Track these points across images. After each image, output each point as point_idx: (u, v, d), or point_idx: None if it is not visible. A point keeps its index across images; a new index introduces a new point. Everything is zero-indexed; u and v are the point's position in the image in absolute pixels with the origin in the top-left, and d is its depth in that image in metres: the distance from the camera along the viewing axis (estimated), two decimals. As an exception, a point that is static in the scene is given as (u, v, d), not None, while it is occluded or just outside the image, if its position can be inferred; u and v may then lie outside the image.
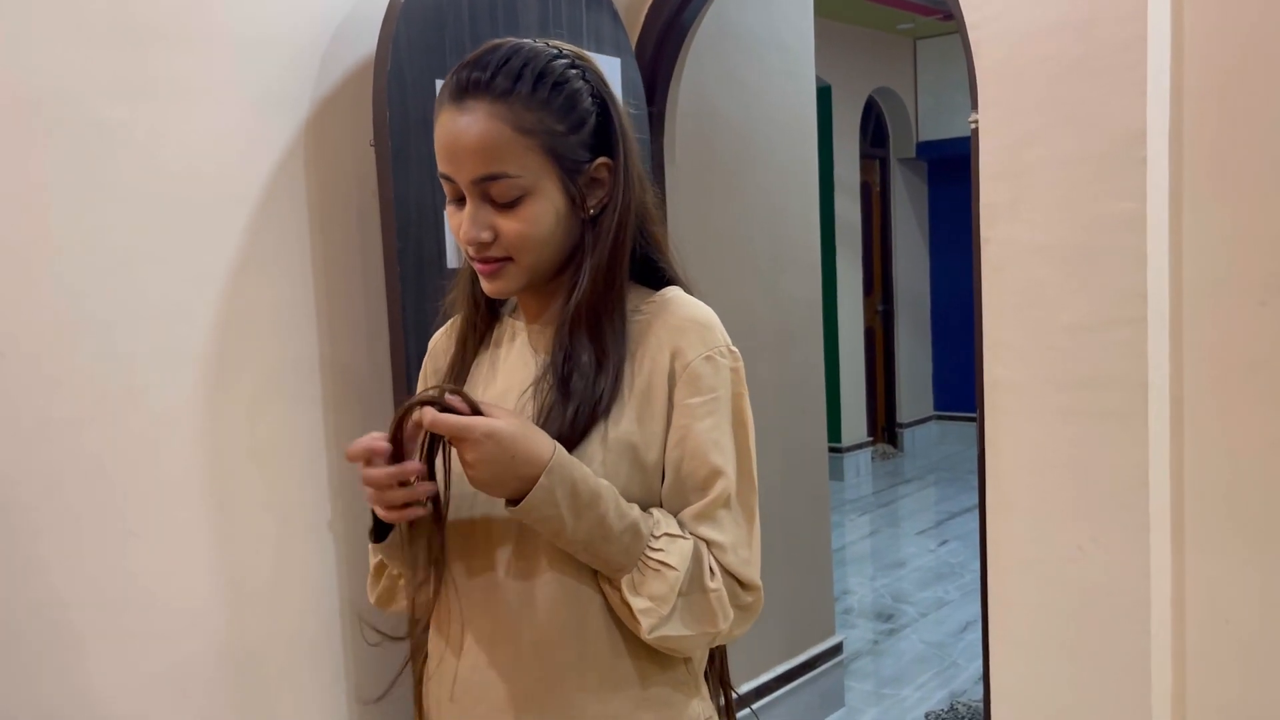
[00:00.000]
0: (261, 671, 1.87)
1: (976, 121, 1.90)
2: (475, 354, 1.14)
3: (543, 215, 1.01)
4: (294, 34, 1.88)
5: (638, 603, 0.99)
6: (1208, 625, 1.72)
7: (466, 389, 1.08)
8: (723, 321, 1.10)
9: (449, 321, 1.21)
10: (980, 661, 2.19)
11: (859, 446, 6.92)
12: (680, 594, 0.99)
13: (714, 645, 1.07)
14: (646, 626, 0.99)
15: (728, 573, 1.03)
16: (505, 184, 0.98)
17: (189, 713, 1.77)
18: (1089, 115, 1.76)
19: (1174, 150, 1.68)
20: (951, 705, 3.34)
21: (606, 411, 1.02)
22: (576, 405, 1.01)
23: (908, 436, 7.64)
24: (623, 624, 1.04)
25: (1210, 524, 1.70)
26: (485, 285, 1.05)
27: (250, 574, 1.85)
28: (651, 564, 0.99)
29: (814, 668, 3.22)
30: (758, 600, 1.06)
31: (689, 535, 1.02)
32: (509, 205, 1.00)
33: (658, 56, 2.60)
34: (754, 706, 2.92)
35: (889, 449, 7.54)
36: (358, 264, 2.00)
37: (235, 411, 1.82)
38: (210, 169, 1.78)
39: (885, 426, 7.59)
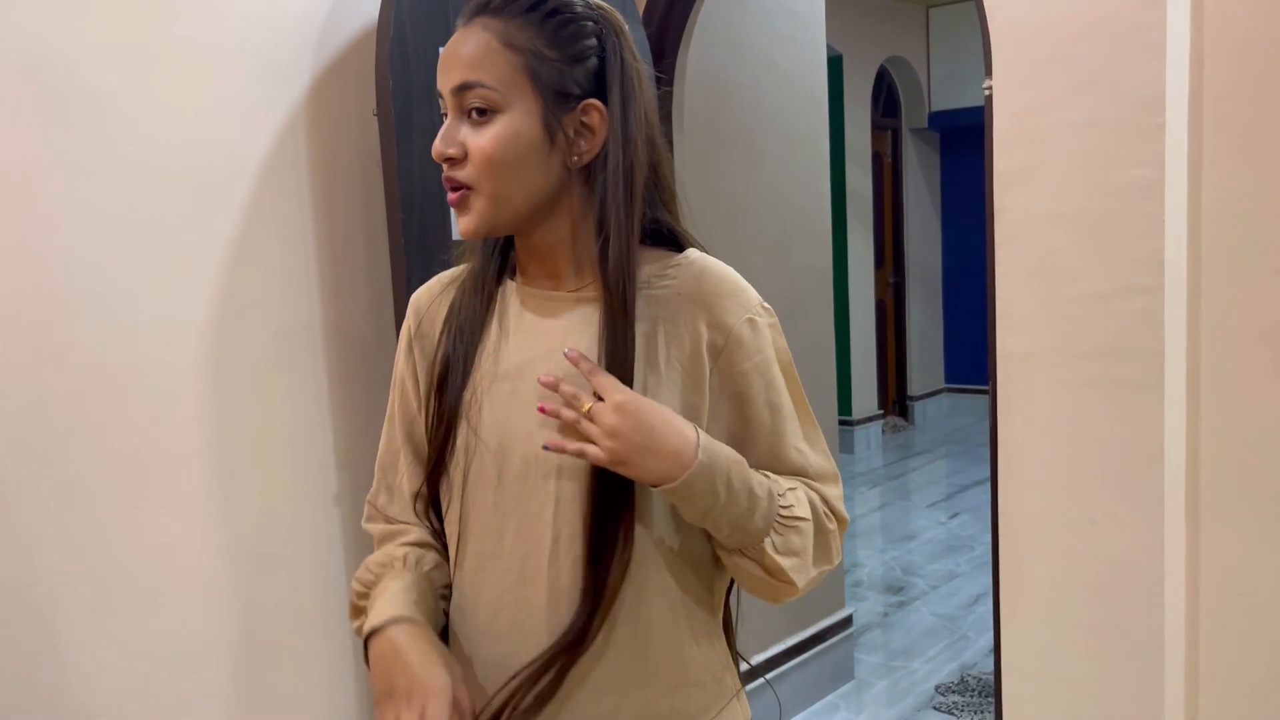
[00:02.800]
0: (268, 641, 1.87)
1: (990, 88, 1.86)
2: (484, 320, 1.09)
3: (510, 137, 0.98)
4: (294, 0, 1.85)
5: (787, 562, 1.00)
6: (1221, 597, 1.70)
7: (478, 357, 1.06)
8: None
9: (434, 280, 1.17)
10: (991, 634, 2.18)
11: (869, 419, 6.89)
12: (813, 541, 1.02)
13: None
14: (801, 583, 1.01)
15: (830, 509, 1.06)
16: (479, 92, 0.97)
17: (196, 682, 1.77)
18: (1105, 80, 1.72)
19: (1193, 116, 1.64)
20: (962, 678, 3.33)
21: (644, 390, 1.00)
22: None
23: (918, 409, 7.61)
24: (676, 610, 1.03)
25: (1225, 495, 1.68)
26: (458, 223, 1.02)
27: (256, 545, 1.85)
28: (789, 521, 1.00)
29: (823, 640, 3.22)
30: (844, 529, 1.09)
31: (796, 484, 1.04)
32: (481, 122, 0.98)
33: (665, 23, 2.56)
34: (765, 677, 2.91)
35: (900, 422, 7.52)
36: (360, 234, 1.98)
37: (238, 383, 1.81)
38: (210, 138, 1.76)
39: (896, 399, 7.56)
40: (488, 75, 0.97)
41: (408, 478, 1.12)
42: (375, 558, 1.10)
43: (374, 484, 1.16)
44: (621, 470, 0.94)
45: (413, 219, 1.86)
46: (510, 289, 1.10)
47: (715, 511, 0.96)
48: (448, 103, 1.00)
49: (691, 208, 1.15)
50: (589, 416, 0.94)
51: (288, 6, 1.84)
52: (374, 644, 0.98)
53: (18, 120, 1.54)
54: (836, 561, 1.06)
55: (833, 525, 1.05)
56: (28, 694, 1.57)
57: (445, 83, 0.99)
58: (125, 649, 1.68)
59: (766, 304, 1.07)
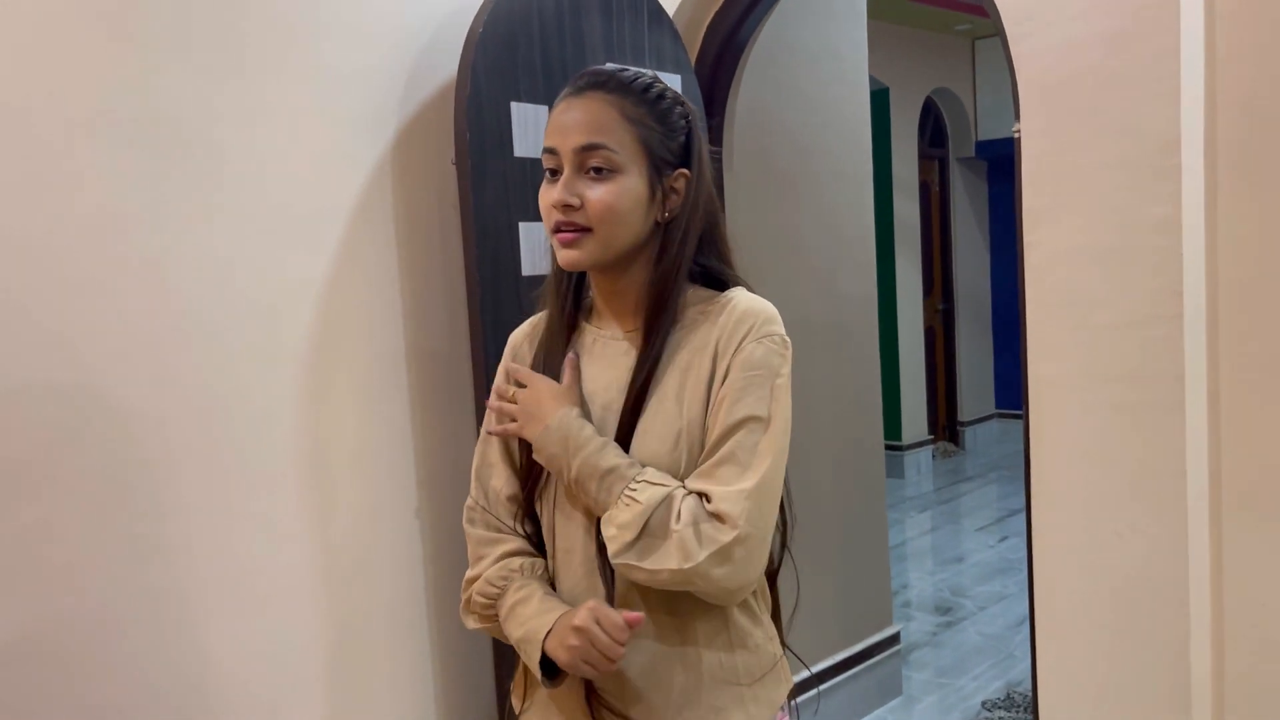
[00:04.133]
0: (354, 646, 2.04)
1: (1019, 131, 2.00)
2: (562, 355, 1.30)
3: (626, 194, 1.18)
4: (382, 63, 2.06)
5: (607, 530, 1.17)
6: (1244, 607, 1.80)
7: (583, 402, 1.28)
8: (780, 319, 1.25)
9: (527, 323, 1.39)
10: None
11: (920, 444, 6.96)
12: (645, 530, 1.14)
13: (692, 586, 1.16)
14: (611, 552, 1.17)
15: (712, 515, 1.14)
16: (603, 154, 1.17)
17: (287, 682, 1.95)
18: (1126, 124, 1.85)
19: (1208, 157, 1.77)
20: (1008, 694, 3.42)
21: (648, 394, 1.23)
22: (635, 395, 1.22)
23: (969, 434, 7.65)
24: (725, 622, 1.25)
25: (1245, 510, 1.78)
26: (561, 255, 1.21)
27: (343, 556, 2.02)
28: (624, 500, 1.16)
29: (871, 656, 3.33)
30: (740, 544, 1.14)
31: (670, 485, 1.17)
32: (599, 179, 1.17)
33: (716, 71, 2.74)
34: (813, 692, 3.03)
35: (950, 447, 7.57)
36: (439, 271, 2.17)
37: (330, 407, 2.00)
38: (307, 185, 1.95)
39: (946, 425, 7.62)
40: (611, 140, 1.18)
41: (506, 483, 1.32)
42: (494, 571, 1.30)
43: (473, 489, 1.35)
44: (525, 435, 1.25)
45: (486, 257, 2.04)
46: (582, 330, 1.31)
47: (557, 462, 1.21)
48: (566, 159, 1.19)
49: (743, 243, 1.34)
50: (511, 400, 1.27)
51: (376, 68, 2.04)
52: (554, 635, 1.19)
53: (149, 169, 1.74)
54: (688, 565, 1.13)
55: (678, 527, 1.13)
56: (142, 689, 1.75)
57: (566, 143, 1.19)
58: (229, 650, 1.86)
59: (788, 339, 1.24)
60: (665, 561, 1.14)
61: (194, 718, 1.81)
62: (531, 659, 1.20)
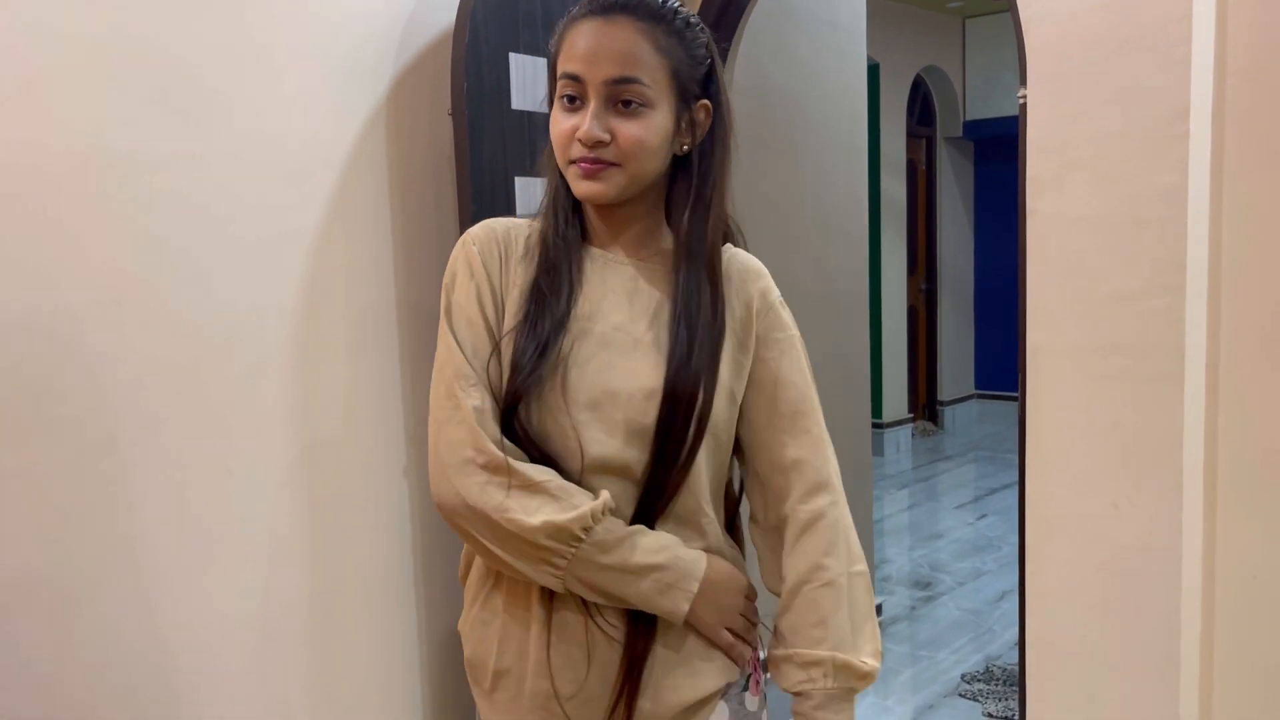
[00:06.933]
0: (340, 603, 2.01)
1: (1025, 97, 1.98)
2: (571, 285, 1.19)
3: (658, 130, 1.14)
4: (379, 8, 2.00)
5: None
6: (1236, 580, 1.80)
7: (587, 320, 1.19)
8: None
9: (491, 229, 1.23)
10: (1016, 630, 2.27)
11: (899, 423, 6.99)
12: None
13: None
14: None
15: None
16: (636, 89, 1.11)
17: (273, 640, 1.92)
18: (1134, 92, 1.83)
19: (1216, 126, 1.75)
20: (987, 668, 3.44)
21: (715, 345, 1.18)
22: (704, 341, 1.16)
23: (948, 414, 7.69)
24: None
25: (1241, 484, 1.78)
26: (583, 186, 1.14)
27: (331, 513, 1.99)
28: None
29: (853, 628, 3.33)
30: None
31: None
32: (630, 113, 1.12)
33: (715, 31, 2.69)
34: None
35: (929, 426, 7.60)
36: (433, 224, 2.13)
37: (320, 360, 1.96)
38: (299, 133, 1.90)
39: (926, 404, 7.65)
40: (645, 74, 1.12)
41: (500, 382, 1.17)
42: (575, 517, 1.10)
43: (464, 390, 1.15)
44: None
45: (483, 211, 2.00)
46: (592, 255, 1.23)
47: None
48: (594, 89, 1.11)
49: (735, 207, 1.30)
50: None
51: (372, 13, 1.99)
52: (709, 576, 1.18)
53: (139, 112, 1.69)
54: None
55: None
56: (118, 647, 1.72)
57: (596, 73, 1.11)
58: (210, 609, 1.82)
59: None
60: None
61: (171, 679, 1.77)
62: (672, 592, 1.14)
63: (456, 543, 2.17)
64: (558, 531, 1.09)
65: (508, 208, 2.04)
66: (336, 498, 2.00)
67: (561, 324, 1.16)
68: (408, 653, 2.13)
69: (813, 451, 1.22)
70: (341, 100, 1.96)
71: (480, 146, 1.99)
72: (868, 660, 1.16)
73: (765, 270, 1.26)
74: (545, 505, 1.10)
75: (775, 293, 1.24)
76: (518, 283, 1.19)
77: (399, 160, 2.06)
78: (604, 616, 1.17)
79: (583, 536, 1.10)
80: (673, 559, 1.15)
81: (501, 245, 1.22)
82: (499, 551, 1.12)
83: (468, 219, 2.00)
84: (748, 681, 1.27)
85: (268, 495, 1.90)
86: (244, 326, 1.84)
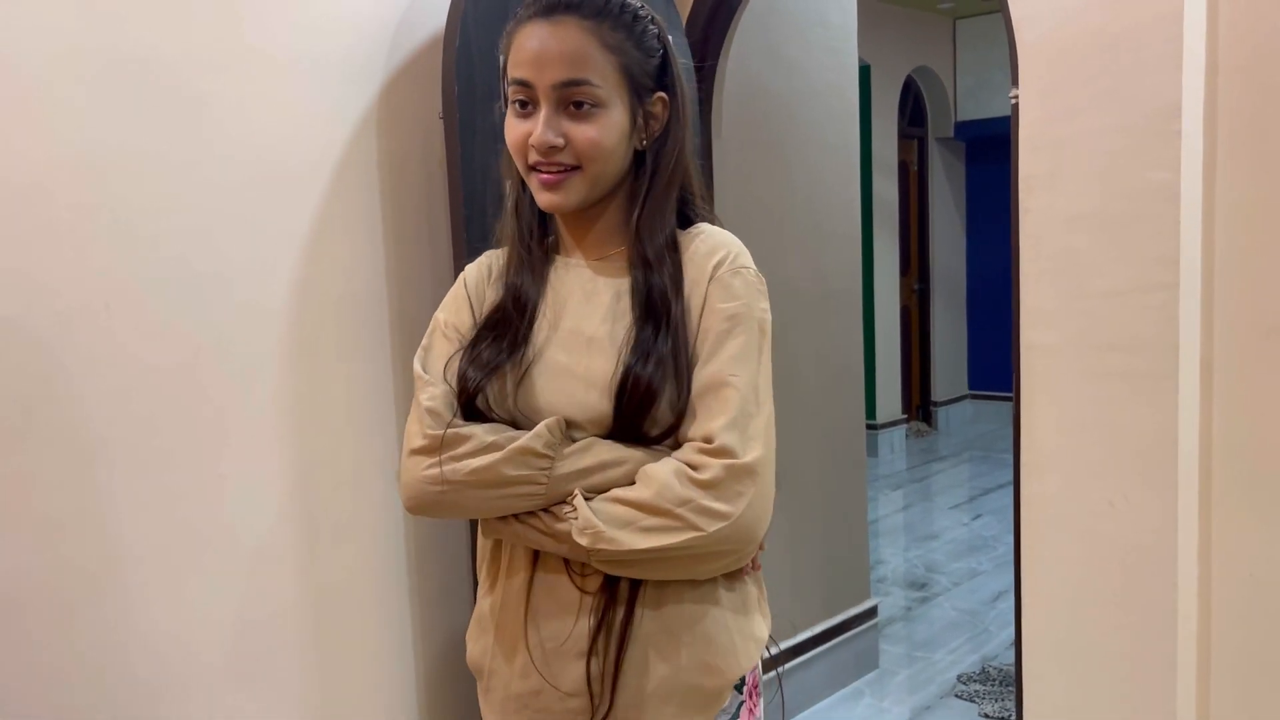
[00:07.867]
0: (334, 605, 2.00)
1: (1017, 97, 1.98)
2: (539, 293, 1.20)
3: (612, 129, 1.12)
4: (368, 10, 2.00)
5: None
6: (1232, 578, 1.80)
7: (550, 328, 1.19)
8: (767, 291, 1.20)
9: (477, 265, 1.29)
10: (1012, 629, 2.27)
11: (893, 424, 6.98)
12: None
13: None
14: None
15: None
16: (586, 90, 1.09)
17: (268, 642, 1.91)
18: (1126, 90, 1.83)
19: (1208, 123, 1.75)
20: (983, 668, 3.43)
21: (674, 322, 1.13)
22: (670, 328, 1.12)
23: (942, 415, 7.69)
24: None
25: (1236, 481, 1.78)
26: (544, 198, 1.14)
27: (325, 516, 1.98)
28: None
29: (849, 629, 3.33)
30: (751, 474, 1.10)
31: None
32: (582, 115, 1.10)
33: (707, 33, 2.69)
34: (792, 664, 3.03)
35: (923, 427, 7.60)
36: (425, 229, 2.12)
37: (313, 363, 1.95)
38: (289, 136, 1.89)
39: (920, 405, 7.65)
40: (594, 74, 1.10)
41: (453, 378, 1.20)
42: (528, 442, 1.10)
43: (421, 389, 1.20)
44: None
45: (474, 214, 2.00)
46: (559, 264, 1.23)
47: None
48: (544, 94, 1.10)
49: (726, 209, 1.29)
50: None
51: (362, 17, 1.98)
52: None
53: (127, 116, 1.68)
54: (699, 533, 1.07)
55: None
56: (113, 649, 1.71)
57: (543, 77, 1.09)
58: (204, 612, 1.82)
59: (760, 275, 1.18)
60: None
61: (165, 683, 1.76)
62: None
63: (450, 546, 2.18)
64: (522, 451, 1.09)
65: (498, 211, 2.02)
66: (329, 502, 1.99)
67: (515, 348, 1.17)
68: (403, 658, 2.12)
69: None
70: (333, 104, 1.95)
71: (471, 149, 1.98)
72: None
73: (731, 243, 1.18)
74: (494, 448, 1.11)
75: (729, 264, 1.14)
76: (491, 302, 1.23)
77: (390, 163, 2.05)
78: (597, 623, 1.15)
79: (549, 453, 1.10)
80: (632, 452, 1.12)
81: (486, 270, 1.27)
82: (484, 495, 1.11)
83: (459, 222, 2.00)
84: (738, 710, 1.22)
85: (260, 500, 1.88)
86: (235, 331, 1.83)
